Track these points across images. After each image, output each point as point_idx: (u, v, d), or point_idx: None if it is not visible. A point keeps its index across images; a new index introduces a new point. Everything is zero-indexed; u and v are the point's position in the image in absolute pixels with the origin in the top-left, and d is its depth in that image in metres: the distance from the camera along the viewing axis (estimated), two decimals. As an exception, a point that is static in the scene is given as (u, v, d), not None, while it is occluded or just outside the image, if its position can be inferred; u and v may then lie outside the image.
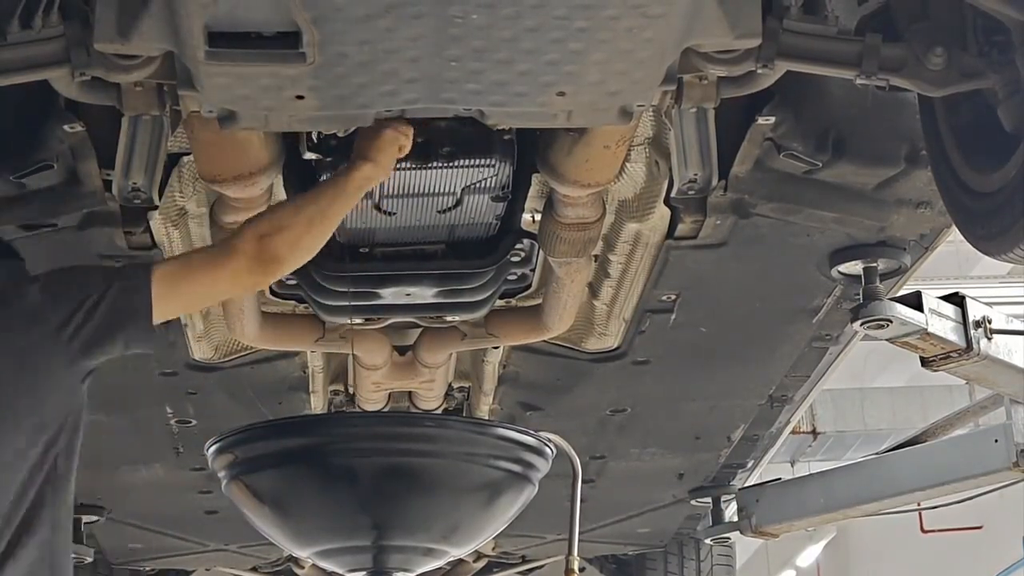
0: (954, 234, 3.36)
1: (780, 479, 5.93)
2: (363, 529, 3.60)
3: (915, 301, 3.90)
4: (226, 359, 4.45)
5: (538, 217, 3.61)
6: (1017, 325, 4.17)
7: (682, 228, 3.60)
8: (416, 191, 3.32)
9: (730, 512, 5.99)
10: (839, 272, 3.80)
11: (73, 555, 5.86)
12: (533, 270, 3.94)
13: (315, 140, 3.14)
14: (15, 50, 2.62)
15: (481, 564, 7.18)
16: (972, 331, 4.03)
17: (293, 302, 4.07)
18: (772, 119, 3.21)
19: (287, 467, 3.61)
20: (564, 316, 3.99)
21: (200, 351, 4.35)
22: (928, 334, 3.92)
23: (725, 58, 2.69)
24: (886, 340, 3.96)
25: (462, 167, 3.22)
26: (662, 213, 3.59)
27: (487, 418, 4.87)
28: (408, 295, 3.74)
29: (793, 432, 9.19)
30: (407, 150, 2.93)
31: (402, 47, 2.48)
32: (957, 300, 4.06)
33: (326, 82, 2.56)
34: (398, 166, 3.19)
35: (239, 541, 6.34)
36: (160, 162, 3.28)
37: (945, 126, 3.00)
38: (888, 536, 15.99)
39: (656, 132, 3.41)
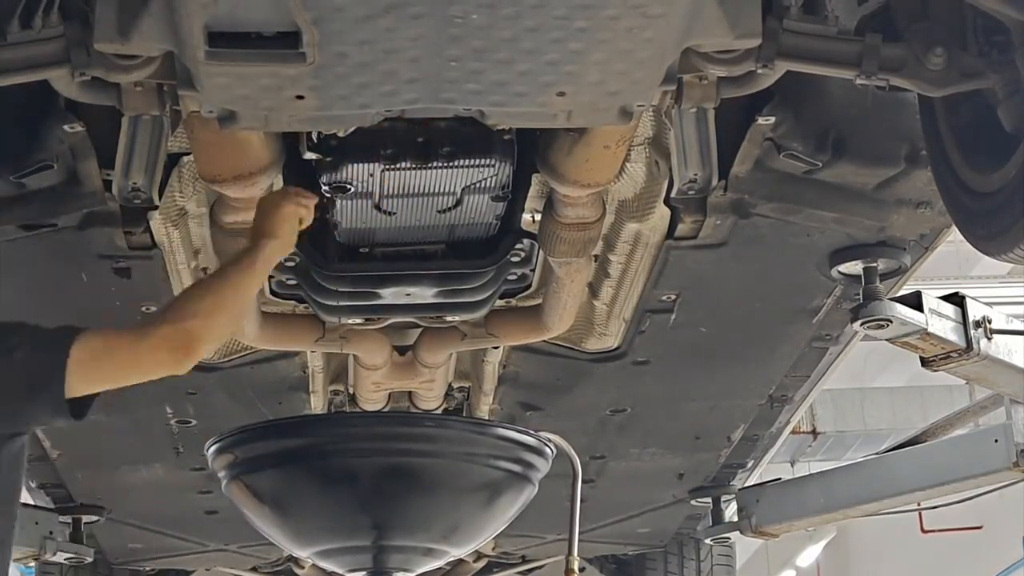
0: (954, 234, 3.36)
1: (780, 479, 5.92)
2: (363, 529, 3.61)
3: (915, 301, 3.90)
4: (226, 359, 4.44)
5: (538, 217, 3.61)
6: (1017, 325, 4.17)
7: (682, 228, 3.60)
8: (416, 191, 3.32)
9: (730, 512, 5.99)
10: (839, 272, 3.80)
11: (73, 555, 5.90)
12: (533, 270, 3.94)
13: (315, 140, 3.14)
14: (15, 50, 2.62)
15: (481, 564, 7.17)
16: (972, 331, 4.03)
17: (293, 302, 4.07)
18: (772, 119, 3.21)
19: (287, 467, 3.61)
20: (564, 316, 3.99)
21: (200, 351, 4.35)
22: (928, 334, 3.92)
23: (725, 58, 2.69)
24: (886, 340, 3.96)
25: (462, 167, 3.22)
26: (662, 213, 3.59)
27: (487, 418, 4.87)
28: (408, 295, 3.73)
29: (793, 432, 9.19)
30: (309, 221, 2.94)
31: (402, 47, 2.48)
32: (957, 300, 4.06)
33: (326, 82, 2.56)
34: (399, 166, 3.19)
35: (239, 541, 6.34)
36: (160, 162, 3.28)
37: (945, 126, 3.00)
38: (888, 536, 16.00)
39: (656, 132, 3.41)
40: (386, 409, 4.84)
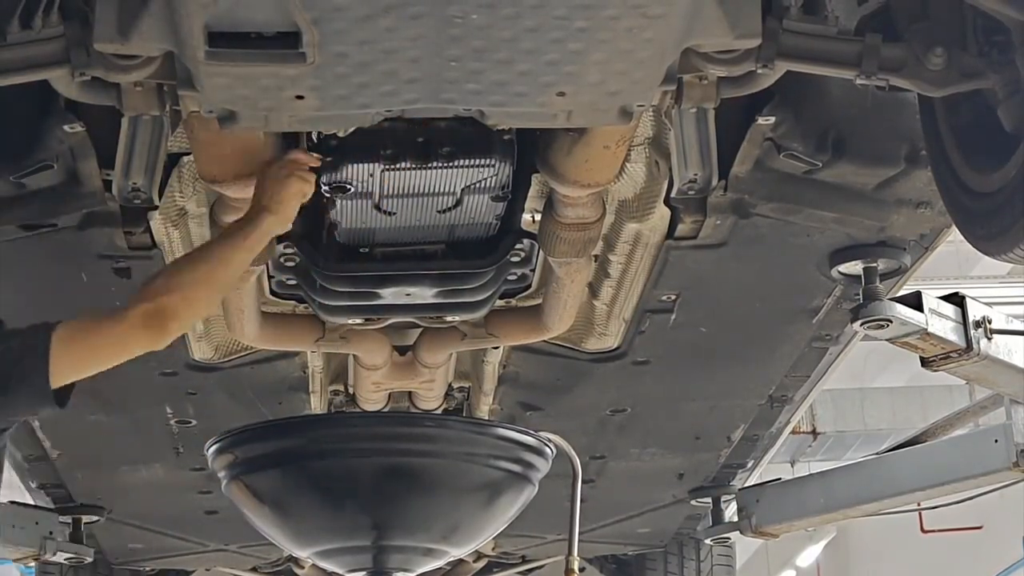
0: (954, 234, 3.36)
1: (780, 479, 5.92)
2: (363, 529, 3.60)
3: (915, 301, 3.90)
4: (226, 359, 4.45)
5: (538, 217, 3.61)
6: (1017, 325, 4.17)
7: (682, 228, 3.60)
8: (416, 191, 3.32)
9: (730, 512, 5.99)
10: (839, 272, 3.80)
11: (73, 555, 5.90)
12: (533, 270, 3.94)
13: (315, 140, 3.14)
14: (15, 50, 2.62)
15: (481, 564, 7.17)
16: (972, 331, 4.03)
17: (293, 302, 4.07)
18: (772, 119, 3.21)
19: (287, 467, 3.61)
20: (564, 316, 3.99)
21: (200, 351, 4.35)
22: (928, 334, 3.92)
23: (725, 58, 2.69)
24: (886, 340, 3.96)
25: (462, 167, 3.22)
26: (662, 213, 3.59)
27: (487, 418, 4.87)
28: (408, 295, 3.73)
29: (793, 432, 9.19)
30: (310, 194, 2.93)
31: (402, 47, 2.48)
32: (957, 300, 4.06)
33: (326, 82, 2.56)
34: (399, 166, 3.19)
35: (239, 541, 6.34)
36: (160, 162, 3.28)
37: (945, 126, 3.00)
38: (888, 536, 16.00)
39: (656, 132, 3.41)
40: (386, 409, 4.84)
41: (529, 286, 4.07)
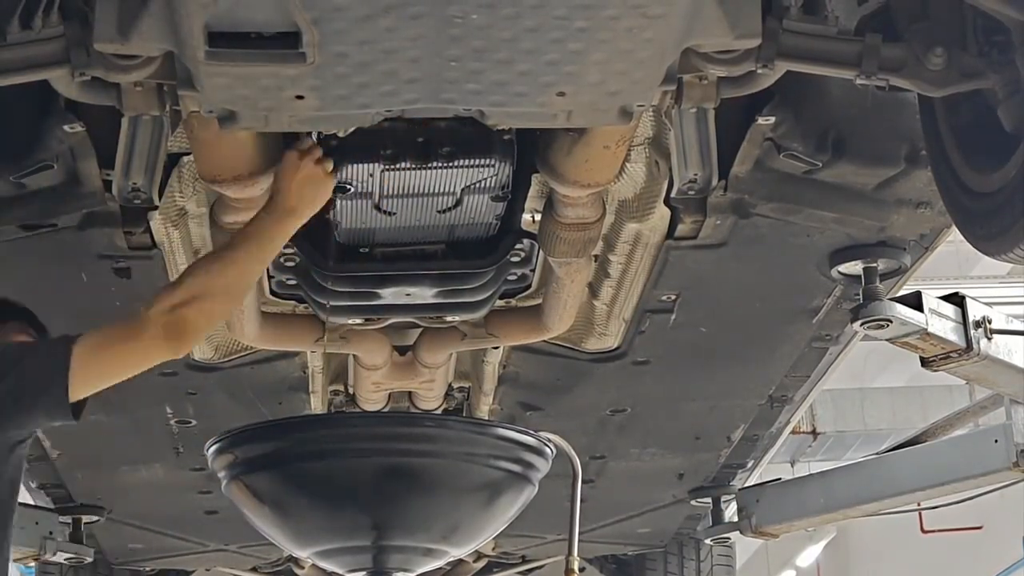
0: (954, 234, 3.37)
1: (780, 479, 5.92)
2: (363, 529, 3.60)
3: (915, 301, 3.90)
4: (226, 359, 4.44)
5: (538, 217, 3.61)
6: (1017, 325, 4.17)
7: (682, 228, 3.60)
8: (416, 191, 3.32)
9: (730, 512, 5.99)
10: (839, 272, 3.80)
11: (73, 555, 5.90)
12: (533, 270, 3.94)
13: (315, 140, 3.14)
14: (15, 50, 2.62)
15: (481, 564, 7.17)
16: (972, 331, 4.03)
17: (293, 302, 4.07)
18: (772, 119, 3.21)
19: (287, 467, 3.61)
20: (564, 316, 3.99)
21: (200, 351, 4.35)
22: (928, 334, 3.92)
23: (725, 58, 2.69)
24: (886, 340, 3.96)
25: (462, 167, 3.22)
26: (662, 213, 3.59)
27: (487, 418, 4.87)
28: (408, 295, 3.73)
29: (793, 432, 9.19)
30: (331, 189, 2.93)
31: (402, 47, 2.48)
32: (957, 300, 4.06)
33: (326, 82, 2.56)
34: (399, 166, 3.19)
35: (239, 541, 6.34)
36: (160, 162, 3.28)
37: (945, 126, 3.00)
38: (888, 536, 16.00)
39: (656, 132, 3.41)
40: (386, 409, 4.84)
41: (529, 286, 4.07)
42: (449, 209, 3.41)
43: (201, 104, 2.67)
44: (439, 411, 4.93)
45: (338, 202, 3.33)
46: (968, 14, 2.79)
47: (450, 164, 3.20)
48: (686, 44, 2.63)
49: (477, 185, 3.31)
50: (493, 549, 6.78)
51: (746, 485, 5.87)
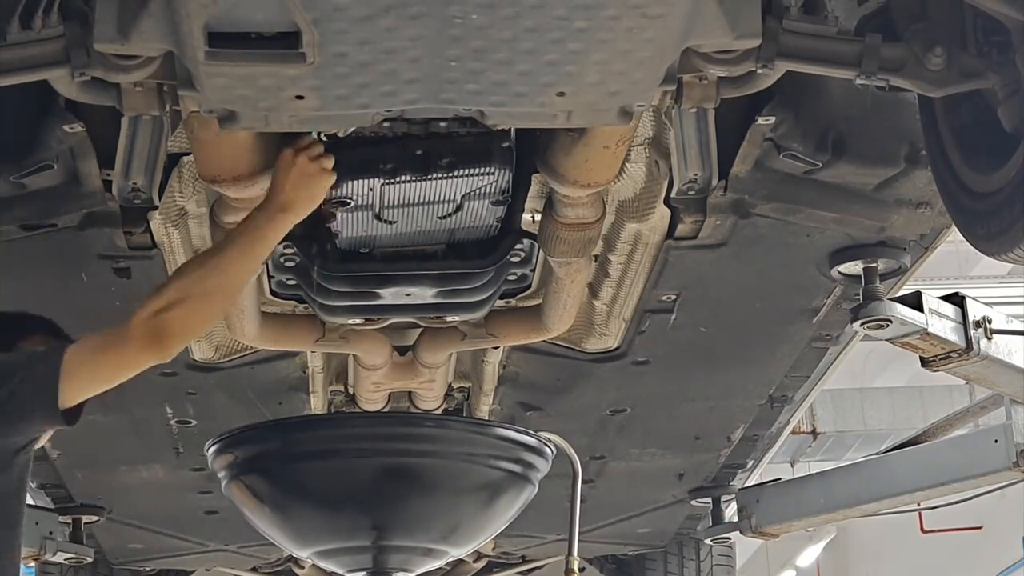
0: (954, 234, 3.37)
1: (780, 479, 5.92)
2: (363, 529, 3.61)
3: (915, 301, 3.90)
4: (226, 359, 4.45)
5: (538, 217, 3.61)
6: (1017, 325, 4.17)
7: (682, 228, 3.60)
8: (416, 201, 3.31)
9: (730, 512, 5.99)
10: (839, 272, 3.80)
11: (73, 555, 5.90)
12: (533, 270, 3.94)
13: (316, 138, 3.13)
14: (15, 50, 2.62)
15: (481, 564, 7.17)
16: (972, 331, 4.03)
17: (293, 302, 4.07)
18: (772, 119, 3.21)
19: (287, 467, 3.61)
20: (564, 316, 3.99)
21: (200, 351, 4.35)
22: (928, 334, 3.92)
23: (725, 58, 2.69)
24: (886, 340, 3.96)
25: (462, 176, 3.21)
26: (662, 213, 3.59)
27: (487, 418, 4.87)
28: (408, 295, 3.73)
29: (793, 432, 9.19)
30: (329, 184, 2.89)
31: (402, 47, 2.48)
32: (957, 300, 4.06)
33: (326, 82, 2.56)
34: (399, 179, 3.18)
35: (239, 541, 6.34)
36: (160, 162, 3.28)
37: (945, 126, 3.00)
38: (888, 536, 16.00)
39: (656, 132, 3.41)
40: (386, 409, 4.84)
41: (529, 286, 4.07)
42: (449, 215, 3.40)
43: (201, 104, 2.67)
44: (439, 411, 4.93)
45: (339, 215, 3.32)
46: (968, 14, 2.79)
47: (450, 174, 3.19)
48: (686, 44, 2.63)
49: (477, 191, 3.31)
50: (493, 549, 6.79)
51: (746, 485, 5.87)
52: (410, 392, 4.82)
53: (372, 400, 4.76)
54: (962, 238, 3.05)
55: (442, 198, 3.30)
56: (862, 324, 3.82)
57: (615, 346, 4.39)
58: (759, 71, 2.73)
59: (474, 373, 4.84)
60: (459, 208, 3.36)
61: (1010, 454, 4.79)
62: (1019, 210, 2.73)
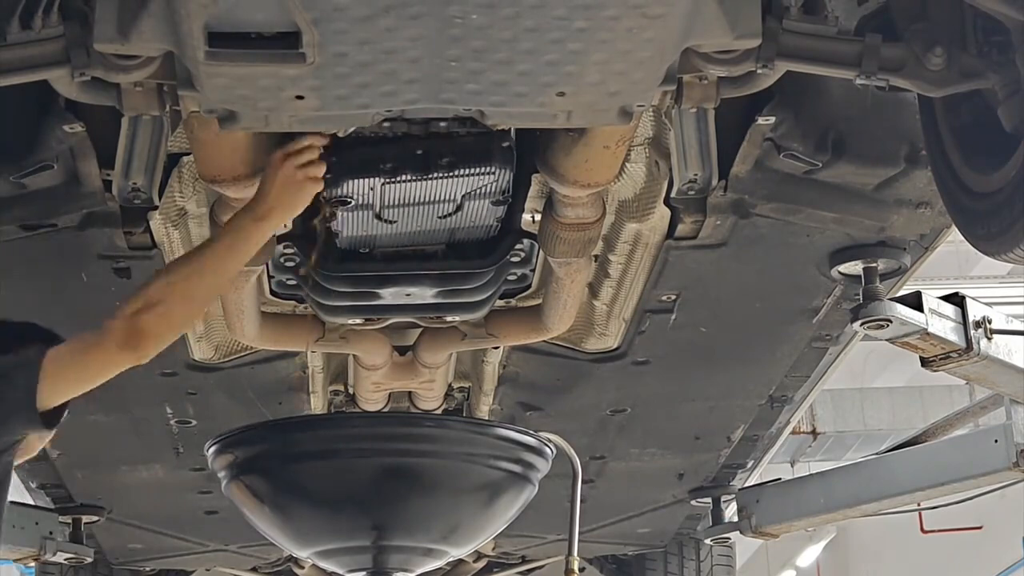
0: (954, 234, 3.37)
1: (780, 479, 5.92)
2: (363, 529, 3.61)
3: (915, 301, 3.90)
4: (226, 359, 4.44)
5: (538, 217, 3.61)
6: (1017, 325, 4.17)
7: (682, 228, 3.60)
8: (416, 200, 3.31)
9: (730, 512, 5.99)
10: (839, 272, 3.80)
11: (73, 555, 5.91)
12: (533, 270, 3.94)
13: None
14: (15, 50, 2.62)
15: (481, 564, 7.17)
16: (972, 331, 4.03)
17: (293, 302, 4.07)
18: (772, 119, 3.21)
19: (287, 467, 3.61)
20: (564, 316, 3.99)
21: (200, 351, 4.35)
22: (928, 334, 3.92)
23: (725, 58, 2.69)
24: (886, 340, 3.96)
25: (462, 176, 3.22)
26: (662, 213, 3.59)
27: (487, 418, 4.87)
28: (408, 295, 3.73)
29: (793, 432, 9.19)
30: (319, 187, 2.84)
31: (402, 47, 2.48)
32: (957, 300, 4.06)
33: (326, 82, 2.56)
34: (399, 179, 3.18)
35: (239, 541, 6.34)
36: (160, 162, 3.28)
37: (945, 126, 3.00)
38: (888, 536, 16.00)
39: (656, 132, 3.41)
40: (386, 409, 4.84)
41: (529, 286, 4.07)
42: (450, 215, 3.41)
43: (201, 104, 2.67)
44: (439, 411, 4.93)
45: (339, 214, 3.32)
46: (968, 14, 2.79)
47: (450, 174, 3.19)
48: (686, 44, 2.63)
49: (477, 191, 3.31)
50: (493, 549, 6.78)
51: (746, 485, 5.87)
52: (410, 392, 4.82)
53: (372, 400, 4.76)
54: (962, 238, 3.05)
55: (442, 198, 3.30)
56: (862, 324, 3.82)
57: (615, 346, 4.39)
58: (759, 71, 2.73)
59: (474, 373, 4.84)
60: (459, 208, 3.36)
61: (1010, 454, 4.79)
62: (1019, 210, 2.73)
